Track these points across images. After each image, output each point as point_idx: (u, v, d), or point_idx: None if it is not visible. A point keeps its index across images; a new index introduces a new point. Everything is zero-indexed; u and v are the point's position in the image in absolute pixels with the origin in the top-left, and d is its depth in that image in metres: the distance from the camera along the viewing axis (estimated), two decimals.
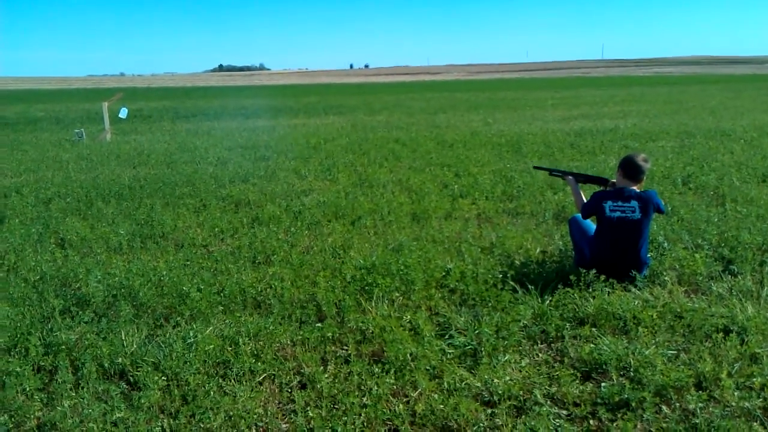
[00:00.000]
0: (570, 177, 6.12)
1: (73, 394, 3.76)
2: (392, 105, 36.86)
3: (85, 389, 3.82)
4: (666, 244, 6.20)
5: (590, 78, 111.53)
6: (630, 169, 5.39)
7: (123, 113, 20.94)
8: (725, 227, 6.73)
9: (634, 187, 5.37)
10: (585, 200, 5.72)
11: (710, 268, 5.57)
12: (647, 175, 5.68)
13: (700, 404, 3.46)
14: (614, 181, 5.64)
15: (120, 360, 4.14)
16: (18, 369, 3.92)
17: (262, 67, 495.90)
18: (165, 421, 3.52)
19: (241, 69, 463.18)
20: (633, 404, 3.49)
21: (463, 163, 12.23)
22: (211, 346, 4.20)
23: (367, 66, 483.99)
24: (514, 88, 63.82)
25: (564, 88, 62.31)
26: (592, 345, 4.22)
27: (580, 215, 5.80)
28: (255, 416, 3.54)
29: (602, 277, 5.09)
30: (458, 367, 4.05)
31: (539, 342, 4.43)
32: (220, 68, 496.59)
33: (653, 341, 4.23)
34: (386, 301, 5.07)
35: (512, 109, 30.69)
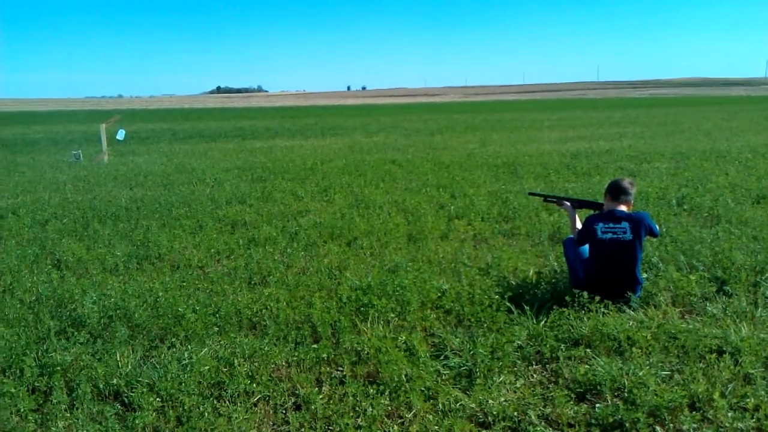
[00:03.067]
0: (567, 203, 6.14)
1: (68, 415, 3.77)
2: (389, 126, 37.01)
3: (79, 410, 3.82)
4: (660, 265, 6.22)
5: (586, 99, 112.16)
6: (616, 191, 5.47)
7: (120, 135, 21.01)
8: (719, 248, 6.74)
9: (624, 209, 5.42)
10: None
11: (704, 289, 5.59)
12: (635, 197, 5.71)
13: (693, 425, 3.48)
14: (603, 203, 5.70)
15: (115, 381, 4.14)
16: (12, 390, 3.92)
17: (259, 89, 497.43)
18: None
19: (239, 91, 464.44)
20: (627, 425, 3.50)
21: (459, 184, 12.28)
22: (206, 368, 4.20)
23: (364, 88, 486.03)
24: (510, 110, 64.12)
25: (560, 109, 62.62)
26: (586, 366, 4.23)
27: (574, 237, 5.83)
28: None
29: (597, 298, 5.11)
30: (453, 388, 4.05)
31: (534, 363, 4.44)
32: (218, 90, 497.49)
33: (647, 362, 4.23)
34: (381, 322, 5.08)
35: (509, 130, 30.82)
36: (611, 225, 5.30)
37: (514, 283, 5.98)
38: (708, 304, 5.32)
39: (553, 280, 6.10)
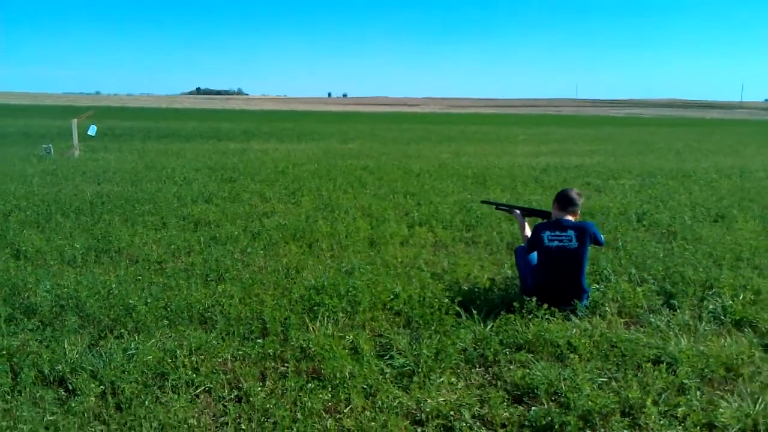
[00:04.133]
0: (517, 211, 6.28)
1: (9, 398, 3.78)
2: (366, 134, 37.08)
3: (22, 394, 3.84)
4: (612, 277, 6.35)
5: (562, 116, 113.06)
6: (563, 201, 5.64)
7: (92, 130, 20.88)
8: (671, 263, 6.90)
9: (570, 218, 5.56)
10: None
11: (651, 301, 5.72)
12: (581, 207, 5.82)
13: (623, 430, 3.59)
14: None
15: (60, 367, 4.17)
16: None
17: (240, 92, 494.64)
18: (97, 427, 3.57)
19: (219, 92, 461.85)
20: (557, 427, 3.59)
21: (426, 192, 12.39)
22: (150, 357, 4.24)
23: (345, 95, 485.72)
24: (488, 123, 64.47)
25: (536, 124, 63.15)
26: (525, 370, 4.32)
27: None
28: (187, 426, 3.58)
29: (544, 305, 5.22)
30: (394, 386, 4.12)
31: (477, 365, 4.52)
32: (198, 91, 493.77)
33: (586, 368, 4.33)
34: (331, 321, 5.14)
35: (483, 142, 31.03)
36: (558, 233, 5.44)
37: (465, 289, 6.07)
38: (653, 316, 5.44)
39: (505, 287, 6.20)
